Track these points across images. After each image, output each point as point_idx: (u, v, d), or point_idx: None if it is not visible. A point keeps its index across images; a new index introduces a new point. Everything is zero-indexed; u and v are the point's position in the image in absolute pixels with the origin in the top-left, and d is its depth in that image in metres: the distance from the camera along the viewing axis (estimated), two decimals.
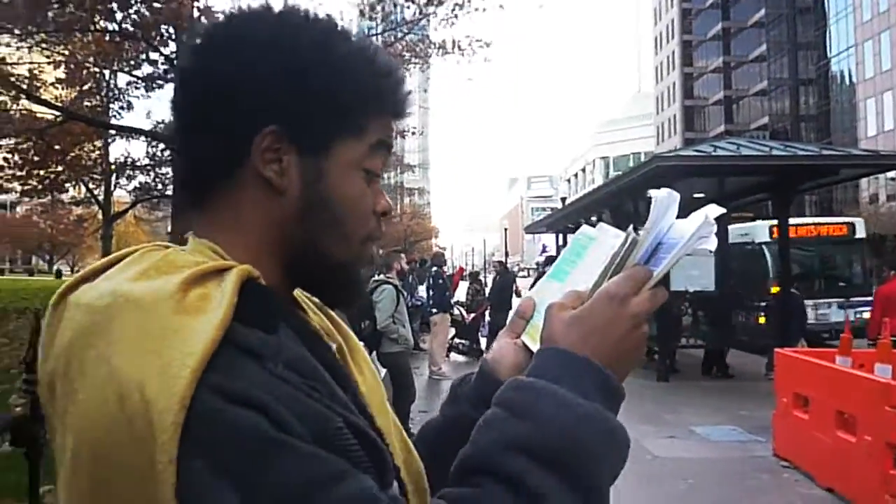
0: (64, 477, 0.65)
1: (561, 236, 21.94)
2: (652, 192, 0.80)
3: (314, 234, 0.77)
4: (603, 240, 0.88)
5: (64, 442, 0.64)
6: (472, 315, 13.96)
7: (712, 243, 0.79)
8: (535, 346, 0.83)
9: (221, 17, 0.85)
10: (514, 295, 14.66)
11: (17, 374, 8.76)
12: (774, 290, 11.93)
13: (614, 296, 0.76)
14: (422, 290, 12.94)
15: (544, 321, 0.79)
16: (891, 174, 32.70)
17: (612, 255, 0.79)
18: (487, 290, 15.06)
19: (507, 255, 43.44)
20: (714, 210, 0.80)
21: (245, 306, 0.65)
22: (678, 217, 0.82)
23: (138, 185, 24.43)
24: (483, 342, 14.05)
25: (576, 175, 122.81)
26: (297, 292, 0.86)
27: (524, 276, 46.18)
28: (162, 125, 20.66)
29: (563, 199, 28.02)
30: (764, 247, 13.70)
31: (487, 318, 14.29)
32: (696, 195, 13.58)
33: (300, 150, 0.76)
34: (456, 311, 13.71)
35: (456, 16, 12.40)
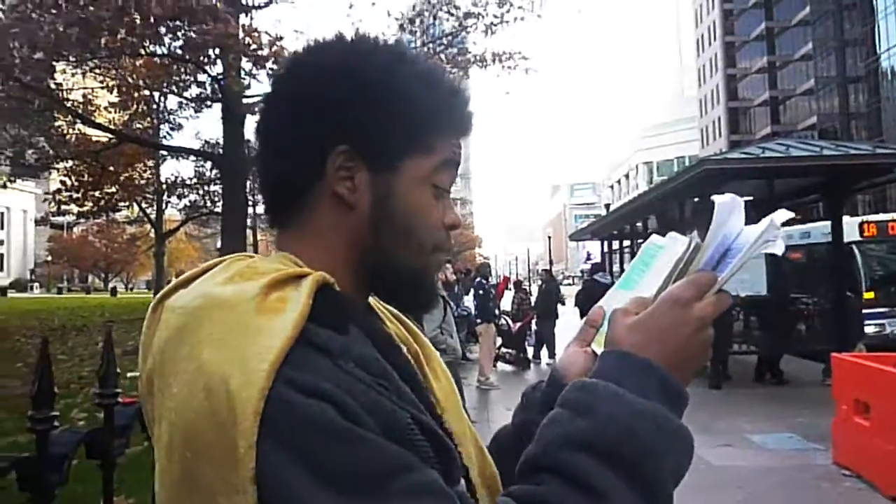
0: (159, 466, 0.70)
1: (606, 243, 21.75)
2: (715, 198, 0.80)
3: (385, 245, 0.82)
4: (672, 248, 0.87)
5: (160, 432, 0.70)
6: (518, 324, 13.92)
7: (779, 247, 0.79)
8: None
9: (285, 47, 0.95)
10: (559, 303, 14.59)
11: (76, 390, 9.05)
12: (868, 295, 11.43)
13: (677, 299, 0.77)
14: (468, 300, 12.96)
15: (608, 326, 0.81)
16: None
17: (676, 261, 0.81)
18: (533, 299, 15.00)
19: (551, 263, 43.16)
20: (781, 214, 0.80)
21: (319, 308, 0.71)
22: (747, 223, 0.82)
23: (188, 204, 25.02)
24: (530, 351, 13.99)
25: (619, 181, 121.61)
26: (375, 302, 0.91)
27: (569, 284, 45.86)
28: (209, 145, 21.22)
29: (608, 206, 27.82)
30: (854, 247, 12.63)
31: (534, 326, 14.24)
32: (744, 197, 13.36)
33: (371, 167, 0.80)
34: (502, 321, 13.69)
35: (494, 31, 12.47)
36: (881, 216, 14.75)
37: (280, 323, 0.68)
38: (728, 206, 0.80)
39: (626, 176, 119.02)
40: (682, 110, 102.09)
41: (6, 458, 1.24)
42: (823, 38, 61.13)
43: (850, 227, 12.86)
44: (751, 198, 13.08)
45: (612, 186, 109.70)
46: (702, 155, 65.37)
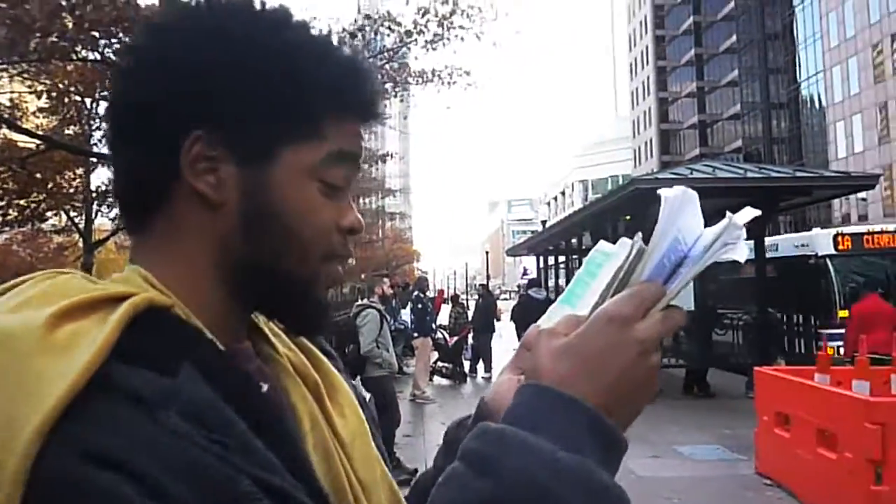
0: None
1: (542, 259, 22.13)
2: (662, 191, 0.65)
3: (262, 253, 0.66)
4: (619, 254, 0.70)
5: None
6: (455, 338, 14.01)
7: (741, 253, 0.64)
8: None
9: None
10: (496, 318, 14.74)
11: None
12: (842, 314, 10.90)
13: (614, 317, 0.60)
14: (405, 314, 12.99)
15: (531, 350, 0.64)
16: (861, 194, 33.41)
17: (616, 270, 0.65)
18: (470, 314, 15.13)
19: (488, 278, 43.55)
20: (746, 213, 0.67)
21: (136, 342, 0.55)
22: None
23: (119, 213, 24.21)
24: (466, 365, 14.08)
25: (556, 198, 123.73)
26: (267, 323, 0.76)
27: (506, 299, 46.25)
28: None
29: (544, 223, 28.26)
30: (827, 260, 12.40)
31: (470, 340, 14.36)
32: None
33: (238, 157, 0.65)
34: (438, 335, 13.75)
35: (434, 47, 12.61)
36: (854, 228, 14.62)
37: (65, 366, 0.51)
38: (678, 200, 0.64)
39: (563, 193, 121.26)
40: (617, 130, 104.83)
41: None
42: (749, 65, 63.85)
43: (824, 239, 12.70)
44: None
45: (549, 203, 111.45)
46: (634, 174, 67.16)
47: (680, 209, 0.65)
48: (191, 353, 0.59)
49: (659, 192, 0.64)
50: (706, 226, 0.67)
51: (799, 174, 11.85)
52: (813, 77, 55.14)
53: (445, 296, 18.31)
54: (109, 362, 0.53)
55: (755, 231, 11.94)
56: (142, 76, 0.66)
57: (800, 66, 56.82)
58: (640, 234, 0.65)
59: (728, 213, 0.65)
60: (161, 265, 0.65)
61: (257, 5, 0.68)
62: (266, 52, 0.65)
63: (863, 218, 47.88)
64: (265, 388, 0.68)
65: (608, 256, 0.72)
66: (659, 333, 0.61)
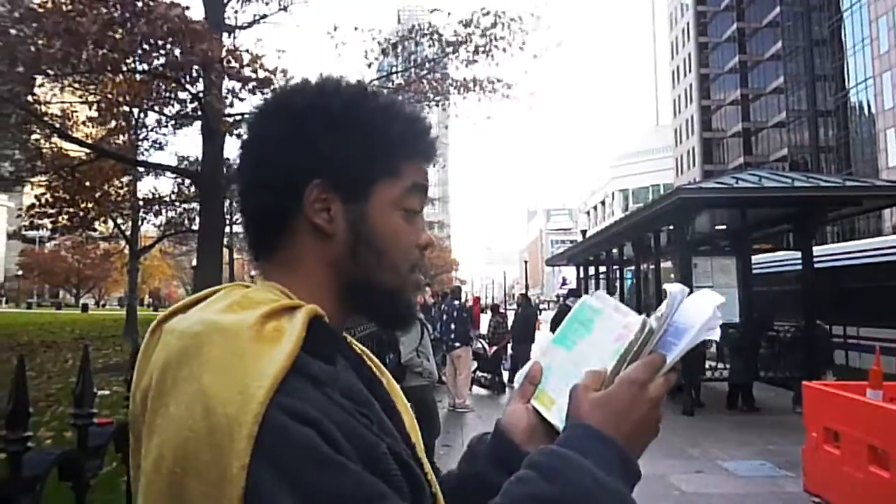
0: (145, 479, 0.74)
1: (581, 269, 21.94)
2: (667, 286, 0.91)
3: (364, 268, 0.89)
4: (608, 314, 0.95)
5: (149, 448, 0.73)
6: (494, 348, 13.94)
7: (717, 334, 0.87)
8: (545, 411, 0.92)
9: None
10: (536, 328, 14.63)
11: (45, 409, 8.87)
12: None
13: (634, 381, 0.84)
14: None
15: (571, 399, 0.87)
16: None
17: (630, 343, 0.88)
18: (509, 323, 15.05)
19: (527, 287, 43.31)
20: (715, 299, 0.89)
21: (310, 340, 0.76)
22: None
23: (164, 221, 24.78)
24: (505, 375, 14.00)
25: (595, 207, 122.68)
26: (351, 340, 0.96)
27: (545, 309, 45.96)
28: (188, 162, 21.09)
29: (584, 232, 28.06)
30: None
31: (510, 350, 14.27)
32: (717, 227, 13.60)
33: (344, 197, 0.87)
34: (478, 344, 13.70)
35: (477, 59, 12.63)
36: None
37: (276, 352, 0.73)
38: (678, 296, 0.89)
39: (602, 202, 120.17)
40: (658, 139, 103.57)
41: (48, 454, 1.23)
42: (795, 72, 62.62)
43: None
44: (724, 226, 13.33)
45: (588, 212, 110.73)
46: (677, 183, 66.21)
47: (680, 300, 0.90)
48: (341, 349, 0.85)
49: (665, 287, 0.90)
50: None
51: (849, 183, 11.48)
52: (862, 84, 53.79)
53: (481, 304, 18.20)
54: (298, 352, 0.74)
55: (802, 242, 11.68)
56: (273, 143, 0.88)
57: (848, 72, 55.49)
58: (644, 315, 0.90)
59: (711, 303, 0.89)
60: (290, 282, 0.87)
61: (341, 82, 0.93)
62: (354, 118, 0.88)
63: None
64: (384, 381, 0.95)
65: (597, 312, 0.96)
66: (663, 393, 0.86)
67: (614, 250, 17.84)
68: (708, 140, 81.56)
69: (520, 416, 0.94)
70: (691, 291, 0.91)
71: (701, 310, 0.89)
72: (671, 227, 12.39)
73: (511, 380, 14.05)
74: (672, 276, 14.29)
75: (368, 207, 0.88)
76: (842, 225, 47.54)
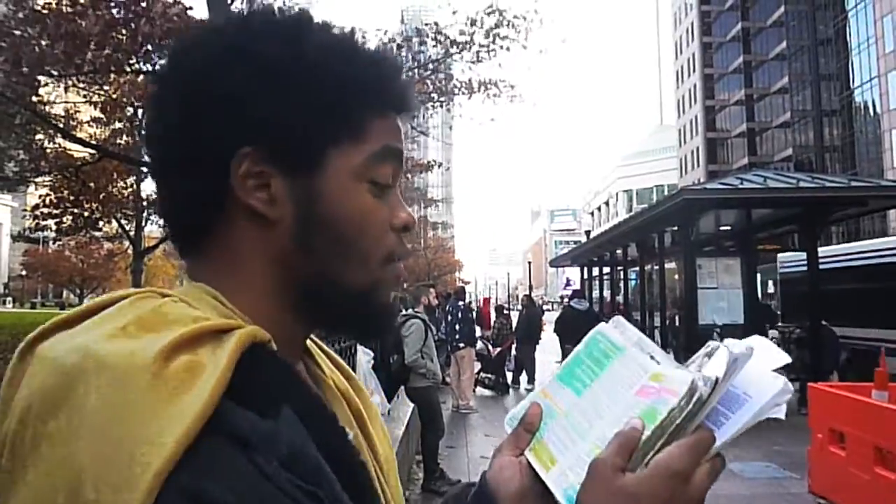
0: None
1: (585, 269, 21.92)
2: (728, 342, 0.68)
3: (322, 263, 0.66)
4: (630, 354, 0.74)
5: None
6: (498, 349, 13.93)
7: (783, 411, 0.69)
8: (543, 472, 0.71)
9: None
10: (540, 330, 14.62)
11: None
12: None
13: (676, 474, 0.62)
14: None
15: (591, 478, 0.65)
16: None
17: (671, 413, 0.66)
18: (513, 325, 15.04)
19: (531, 288, 43.30)
20: (779, 359, 0.71)
21: (241, 380, 0.55)
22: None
23: (171, 237, 24.77)
24: (509, 376, 13.99)
25: (599, 208, 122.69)
26: (310, 343, 0.76)
27: (548, 310, 45.96)
28: None
29: (588, 233, 28.01)
30: None
31: (513, 351, 14.26)
32: (722, 227, 13.57)
33: (286, 169, 0.64)
34: (481, 345, 13.69)
35: (481, 59, 12.61)
36: None
37: (181, 406, 0.51)
38: (742, 360, 0.67)
39: (607, 203, 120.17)
40: (662, 139, 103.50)
41: None
42: (800, 72, 62.51)
43: None
44: (728, 227, 13.30)
45: (592, 213, 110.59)
46: (681, 184, 66.15)
47: (743, 364, 0.67)
48: (289, 394, 0.59)
49: (726, 343, 0.68)
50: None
51: (854, 183, 11.45)
52: (867, 83, 53.67)
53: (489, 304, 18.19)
54: (220, 402, 0.53)
55: (807, 243, 11.64)
56: (174, 105, 0.65)
57: (853, 72, 55.38)
58: (694, 378, 0.66)
59: (781, 379, 0.68)
60: (223, 285, 0.65)
61: (275, 14, 0.68)
62: (294, 60, 0.64)
63: None
64: (350, 435, 0.67)
65: (616, 350, 0.75)
66: (708, 486, 0.64)
67: (618, 251, 17.83)
68: (712, 140, 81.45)
69: (510, 473, 0.71)
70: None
71: (766, 377, 0.68)
72: (676, 228, 12.37)
73: (515, 381, 14.06)
74: (676, 276, 14.27)
75: (321, 181, 0.65)
76: (847, 225, 47.41)
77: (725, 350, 0.67)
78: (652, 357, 0.74)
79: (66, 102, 17.65)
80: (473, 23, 12.27)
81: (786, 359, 0.71)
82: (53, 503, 0.50)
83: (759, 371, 0.68)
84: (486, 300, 20.70)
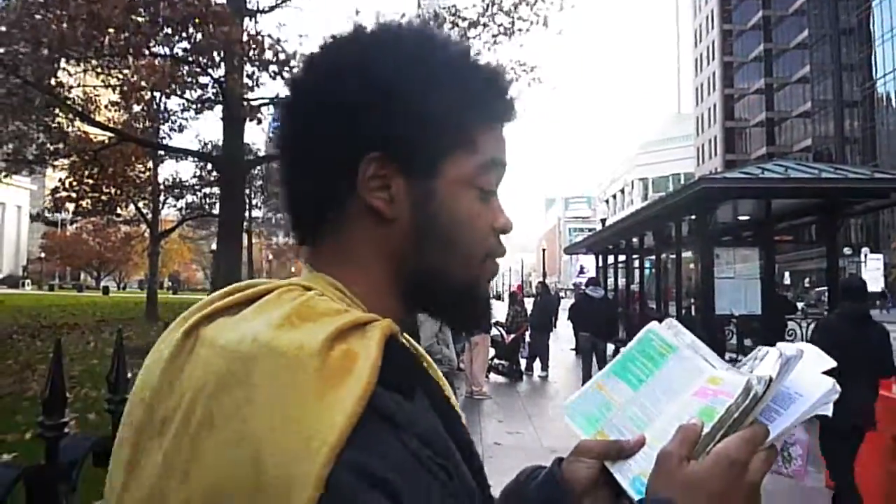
0: None
1: (600, 257, 21.81)
2: (781, 346, 0.76)
3: (432, 259, 0.73)
4: (684, 354, 0.83)
5: (164, 486, 0.60)
6: (512, 336, 13.93)
7: (830, 409, 0.75)
8: (609, 463, 0.80)
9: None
10: (555, 317, 14.57)
11: (69, 389, 9.00)
12: None
13: (735, 462, 0.70)
14: None
15: (659, 467, 0.73)
16: None
17: (728, 409, 0.73)
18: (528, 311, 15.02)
19: (545, 275, 43.23)
20: (826, 363, 0.78)
21: (387, 367, 0.62)
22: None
23: (185, 205, 24.99)
24: (523, 363, 13.99)
25: (614, 196, 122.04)
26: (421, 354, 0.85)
27: (562, 297, 45.92)
28: (209, 146, 21.19)
29: (604, 221, 27.86)
30: None
31: (527, 338, 14.24)
32: (740, 217, 13.43)
33: (407, 173, 0.72)
34: (495, 332, 13.69)
35: (499, 42, 12.53)
36: None
37: (347, 389, 0.58)
38: (795, 361, 0.75)
39: (622, 191, 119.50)
40: (679, 128, 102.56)
41: (14, 468, 1.21)
42: (821, 61, 61.67)
43: None
44: (747, 217, 13.17)
45: (607, 201, 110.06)
46: (697, 173, 65.58)
47: (795, 365, 0.75)
48: (421, 379, 0.71)
49: (779, 346, 0.75)
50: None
51: (877, 175, 11.24)
52: (890, 74, 52.85)
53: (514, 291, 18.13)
54: (373, 387, 0.60)
55: (827, 235, 11.50)
56: (307, 110, 0.74)
57: (876, 62, 54.54)
58: (749, 377, 0.74)
59: (832, 381, 0.75)
60: (343, 276, 0.72)
61: (402, 28, 0.76)
62: (420, 76, 0.72)
63: None
64: (463, 418, 0.78)
65: (671, 349, 0.84)
66: (764, 475, 0.72)
67: (634, 239, 17.71)
68: (730, 129, 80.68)
69: (587, 475, 0.80)
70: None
71: (815, 378, 0.75)
72: (693, 217, 12.25)
73: (529, 368, 14.06)
74: (691, 265, 14.18)
75: (436, 186, 0.72)
76: (866, 219, 46.93)
77: (777, 352, 0.74)
78: (705, 359, 0.82)
79: (84, 86, 17.75)
80: (492, 3, 12.17)
81: (832, 363, 0.76)
82: (237, 473, 0.56)
83: (809, 373, 0.75)
84: (520, 286, 20.63)
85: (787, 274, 24.43)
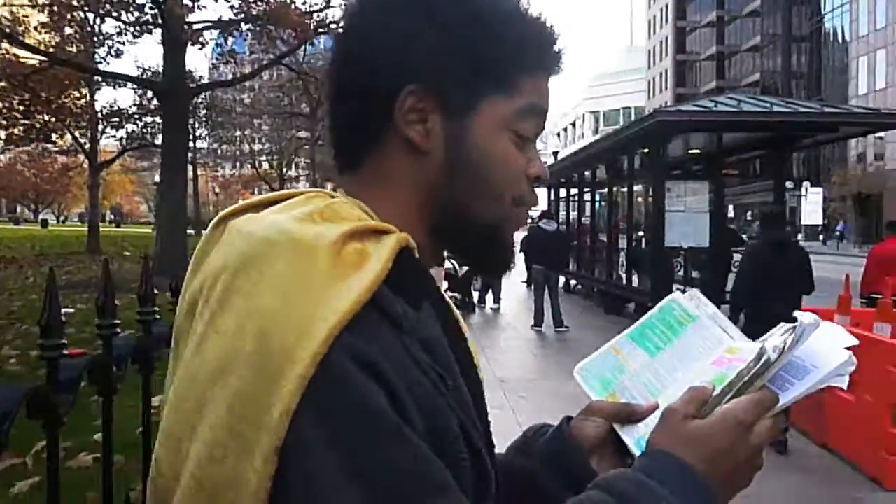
0: (176, 391, 0.65)
1: (553, 191, 21.88)
2: (798, 314, 0.74)
3: (462, 195, 0.74)
4: (704, 323, 0.83)
5: (187, 359, 0.64)
6: (465, 268, 13.96)
7: (846, 381, 0.74)
8: (618, 425, 0.81)
9: None
10: None
11: (9, 326, 8.72)
12: None
13: (741, 422, 0.71)
14: None
15: (664, 422, 0.74)
16: (879, 133, 32.69)
17: (739, 372, 0.73)
18: None
19: None
20: (847, 339, 0.76)
21: (396, 273, 0.64)
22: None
23: (126, 134, 24.08)
24: (475, 296, 14.09)
25: (566, 129, 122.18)
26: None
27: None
28: (150, 73, 20.26)
29: (556, 154, 27.90)
30: None
31: None
32: (691, 151, 13.55)
33: (445, 109, 0.73)
34: (448, 265, 13.71)
35: None
36: None
37: (354, 280, 0.61)
38: (810, 329, 0.73)
39: (573, 124, 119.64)
40: (631, 61, 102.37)
41: (15, 390, 1.14)
42: None
43: None
44: (698, 151, 13.29)
45: (558, 134, 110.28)
46: (648, 107, 65.99)
47: (809, 335, 0.73)
48: (430, 293, 0.72)
49: (797, 315, 0.73)
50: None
51: (826, 109, 11.46)
52: (838, 9, 53.40)
53: None
54: (380, 285, 0.62)
55: (773, 170, 11.71)
56: (359, 38, 0.75)
57: None
58: (764, 343, 0.74)
59: (846, 351, 0.74)
60: (374, 202, 0.73)
61: None
62: (466, 14, 0.72)
63: (879, 157, 47.22)
64: (469, 338, 0.80)
65: (691, 318, 0.85)
66: (768, 440, 0.72)
67: (587, 173, 17.76)
68: (681, 62, 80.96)
69: (596, 435, 0.82)
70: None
71: (832, 350, 0.74)
72: (646, 151, 12.29)
73: (482, 300, 14.19)
74: (639, 199, 14.32)
75: (472, 124, 0.73)
76: (808, 153, 48.08)
77: (790, 326, 0.74)
78: (724, 331, 0.83)
79: (11, 5, 16.62)
80: None
81: (854, 340, 0.75)
82: (243, 341, 0.59)
83: (826, 346, 0.74)
84: None
85: (731, 207, 24.95)
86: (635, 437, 0.78)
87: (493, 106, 0.74)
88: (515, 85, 0.74)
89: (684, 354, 0.82)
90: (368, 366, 0.58)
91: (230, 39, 17.53)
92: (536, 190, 0.79)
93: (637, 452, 0.76)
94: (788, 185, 42.09)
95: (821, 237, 47.53)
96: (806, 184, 48.27)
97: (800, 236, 42.88)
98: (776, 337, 0.75)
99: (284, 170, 47.21)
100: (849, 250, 38.77)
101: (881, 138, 42.72)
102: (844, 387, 0.74)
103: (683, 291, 0.89)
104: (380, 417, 0.57)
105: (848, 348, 0.74)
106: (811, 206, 47.56)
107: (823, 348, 0.74)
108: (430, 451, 0.59)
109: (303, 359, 0.57)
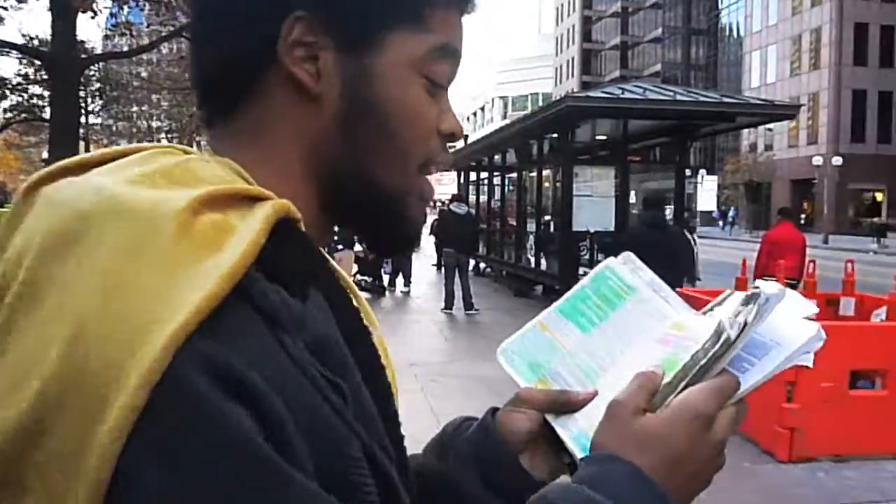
0: None
1: (463, 174, 21.94)
2: (760, 283, 0.64)
3: (359, 151, 0.59)
4: (645, 295, 0.72)
5: None
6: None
7: (811, 360, 0.64)
8: (548, 414, 0.69)
9: None
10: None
11: None
12: None
13: (700, 415, 0.60)
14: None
15: (609, 419, 0.62)
16: (769, 125, 34.56)
17: (695, 355, 0.63)
18: None
19: None
20: (808, 309, 0.66)
21: (273, 253, 0.48)
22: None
23: (9, 107, 22.61)
24: (385, 279, 14.00)
25: (475, 113, 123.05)
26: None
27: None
28: (36, 41, 18.93)
29: (466, 137, 27.96)
30: None
31: None
32: (598, 136, 13.86)
33: (340, 43, 0.58)
34: (358, 247, 13.53)
35: None
36: None
37: (209, 265, 0.45)
38: (774, 301, 0.63)
39: (482, 108, 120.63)
40: (540, 47, 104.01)
41: None
42: None
43: None
44: (604, 137, 13.61)
45: (468, 118, 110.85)
46: (555, 93, 67.24)
47: (775, 307, 0.63)
48: (319, 277, 0.54)
49: (759, 284, 0.64)
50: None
51: (726, 100, 12.02)
52: (734, 5, 55.94)
53: None
54: (248, 269, 0.46)
55: (677, 156, 12.14)
56: None
57: None
58: (721, 319, 0.62)
59: (814, 324, 0.64)
60: (249, 160, 0.57)
61: None
62: None
63: (769, 148, 49.97)
64: (374, 334, 0.60)
65: (629, 290, 0.73)
66: (730, 434, 0.63)
67: (496, 157, 17.89)
68: (587, 51, 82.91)
69: (519, 429, 0.70)
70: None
71: (794, 322, 0.64)
72: (555, 135, 12.49)
73: (392, 283, 14.09)
74: (547, 184, 14.55)
75: (375, 63, 0.59)
76: (704, 142, 50.27)
77: (741, 295, 0.64)
78: (666, 300, 0.72)
79: None
80: None
81: (814, 308, 0.66)
82: (43, 356, 0.42)
83: (788, 319, 0.64)
84: None
85: (633, 192, 25.84)
86: (573, 432, 0.66)
87: (401, 42, 0.59)
88: (426, 20, 0.60)
89: (623, 330, 0.71)
90: (229, 380, 0.42)
91: (126, 8, 16.58)
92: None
93: (576, 451, 0.65)
94: (687, 172, 44.16)
95: (720, 223, 49.94)
96: (702, 171, 50.56)
97: (696, 221, 44.95)
98: (728, 306, 0.65)
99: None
100: (740, 235, 41.10)
101: (770, 129, 45.21)
102: (811, 365, 0.64)
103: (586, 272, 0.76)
104: (245, 452, 0.42)
105: (808, 318, 0.65)
106: (707, 192, 49.82)
107: (784, 321, 0.64)
108: (318, 489, 0.44)
109: (131, 380, 0.41)
